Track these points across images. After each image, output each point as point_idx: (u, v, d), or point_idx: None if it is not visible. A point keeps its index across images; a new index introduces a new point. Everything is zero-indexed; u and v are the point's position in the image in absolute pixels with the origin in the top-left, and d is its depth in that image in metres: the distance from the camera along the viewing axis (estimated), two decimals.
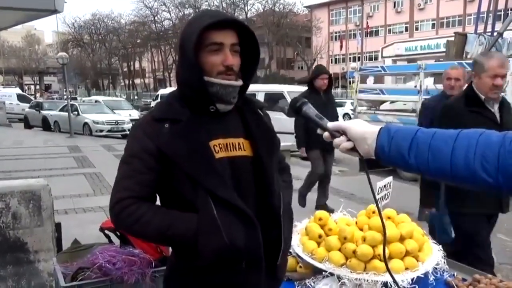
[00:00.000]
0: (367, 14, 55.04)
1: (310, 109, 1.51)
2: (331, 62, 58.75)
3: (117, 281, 2.31)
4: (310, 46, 60.27)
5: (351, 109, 16.09)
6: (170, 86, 63.28)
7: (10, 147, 14.70)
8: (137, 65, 72.96)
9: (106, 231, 2.60)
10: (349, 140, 1.39)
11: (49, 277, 3.16)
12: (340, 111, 23.54)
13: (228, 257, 1.52)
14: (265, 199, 1.65)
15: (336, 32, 59.37)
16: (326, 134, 1.44)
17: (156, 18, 63.22)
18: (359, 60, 48.56)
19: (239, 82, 1.64)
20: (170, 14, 62.42)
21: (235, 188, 1.58)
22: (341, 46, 52.60)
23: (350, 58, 55.04)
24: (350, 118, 18.35)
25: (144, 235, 1.60)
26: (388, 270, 1.70)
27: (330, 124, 1.43)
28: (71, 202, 7.04)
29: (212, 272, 1.55)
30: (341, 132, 1.41)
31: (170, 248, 1.83)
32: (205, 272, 1.56)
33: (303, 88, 17.52)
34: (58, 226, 3.45)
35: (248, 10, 59.66)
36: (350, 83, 40.62)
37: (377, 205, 1.54)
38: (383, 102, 11.73)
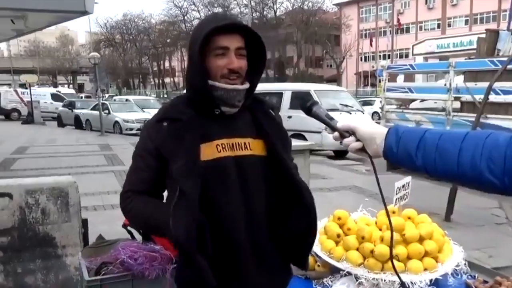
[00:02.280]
0: (397, 11, 54.16)
1: (320, 109, 1.53)
2: (361, 60, 58.14)
3: (139, 276, 2.36)
4: (339, 44, 59.74)
5: (380, 108, 15.91)
6: None
7: (43, 145, 15.14)
8: (166, 64, 73.85)
9: (129, 228, 2.66)
10: (358, 140, 1.40)
11: (76, 271, 3.26)
12: (369, 109, 23.39)
13: (180, 248, 1.60)
14: (293, 193, 1.69)
15: (365, 30, 58.67)
16: (335, 134, 1.45)
17: (185, 17, 63.94)
18: (389, 58, 47.90)
19: (244, 86, 1.66)
20: (199, 14, 62.92)
21: (241, 186, 1.62)
22: (371, 44, 51.96)
23: (380, 56, 54.33)
24: (379, 117, 18.13)
25: (135, 224, 1.80)
26: (394, 269, 1.71)
27: (340, 124, 1.45)
28: (100, 199, 7.22)
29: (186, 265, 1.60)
30: (351, 132, 1.42)
31: None
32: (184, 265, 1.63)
33: (332, 87, 17.48)
34: (84, 222, 3.55)
35: (277, 9, 59.64)
36: (379, 81, 40.14)
37: (384, 204, 1.54)
38: (412, 100, 11.56)
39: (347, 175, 9.27)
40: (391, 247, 1.71)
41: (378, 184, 1.46)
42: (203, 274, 1.55)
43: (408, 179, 2.49)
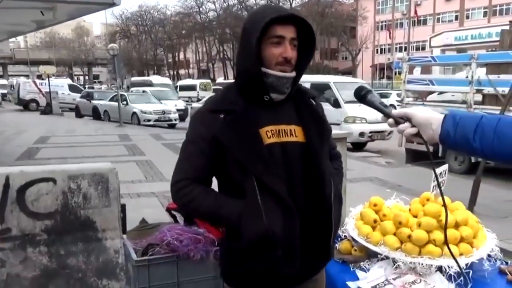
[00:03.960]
0: (415, 2, 53.54)
1: (374, 97, 1.61)
2: (377, 52, 57.70)
3: (184, 257, 2.48)
4: (355, 36, 59.34)
5: (397, 100, 15.86)
6: (214, 76, 63.94)
7: (64, 135, 15.39)
8: (181, 56, 74.03)
9: (173, 212, 2.78)
10: (413, 126, 1.47)
11: (115, 254, 3.38)
12: (384, 102, 23.23)
13: (266, 242, 1.63)
14: (316, 185, 1.75)
15: (382, 22, 58.18)
16: (390, 120, 1.52)
17: (201, 9, 63.93)
18: (405, 50, 47.40)
19: (293, 74, 1.74)
20: (214, 5, 62.97)
21: (285, 172, 1.70)
22: (390, 36, 51.45)
23: (396, 48, 53.82)
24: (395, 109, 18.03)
25: (196, 214, 1.83)
26: (450, 251, 1.78)
27: (396, 111, 1.53)
28: (125, 187, 7.36)
29: (251, 256, 1.68)
30: (405, 119, 1.49)
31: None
32: (245, 256, 1.69)
33: (350, 79, 17.40)
34: (123, 207, 3.67)
35: (292, 0, 59.35)
36: (395, 73, 39.80)
37: (440, 187, 1.62)
38: (430, 93, 11.52)
39: (367, 167, 9.31)
40: (445, 233, 1.77)
41: (434, 171, 1.56)
42: (279, 264, 1.69)
43: (445, 167, 2.56)
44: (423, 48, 45.56)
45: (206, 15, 64.24)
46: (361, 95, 1.62)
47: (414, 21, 51.51)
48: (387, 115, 1.55)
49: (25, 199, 3.30)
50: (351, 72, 54.41)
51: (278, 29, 1.68)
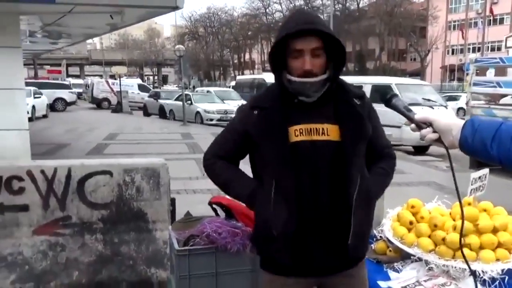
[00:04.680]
0: (491, 0, 50.92)
1: (399, 101, 1.62)
2: (447, 53, 55.44)
3: (222, 249, 2.60)
4: (425, 36, 57.32)
5: (466, 103, 15.23)
6: None
7: (131, 133, 16.14)
8: (247, 56, 74.95)
9: (214, 206, 2.91)
10: (435, 131, 1.48)
11: (164, 245, 3.58)
12: (453, 105, 22.38)
13: (266, 231, 1.83)
14: (341, 183, 1.80)
15: (454, 21, 55.78)
16: (413, 125, 1.54)
17: (267, 10, 64.36)
18: (479, 50, 45.24)
19: (320, 77, 1.78)
20: (281, 6, 63.17)
21: (311, 169, 1.79)
22: (463, 36, 49.23)
23: (469, 48, 51.43)
24: (465, 112, 17.35)
25: (216, 183, 2.05)
26: (463, 255, 1.75)
27: (418, 116, 1.53)
28: (182, 184, 7.65)
29: (257, 242, 1.98)
30: (428, 124, 1.49)
31: None
32: (254, 241, 2.04)
33: (414, 80, 16.94)
34: (173, 201, 3.89)
35: (360, 0, 58.36)
36: (467, 75, 38.09)
37: (458, 194, 1.59)
38: (503, 96, 10.99)
39: (427, 171, 9.05)
40: (460, 235, 1.75)
41: (453, 174, 1.52)
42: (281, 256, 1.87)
43: (485, 171, 2.51)
44: (499, 49, 43.12)
45: (272, 16, 64.61)
46: (386, 99, 1.64)
47: (490, 20, 48.92)
48: (410, 120, 1.55)
49: (85, 190, 3.58)
50: (419, 73, 52.64)
51: (296, 43, 1.75)
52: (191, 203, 6.04)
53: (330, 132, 1.81)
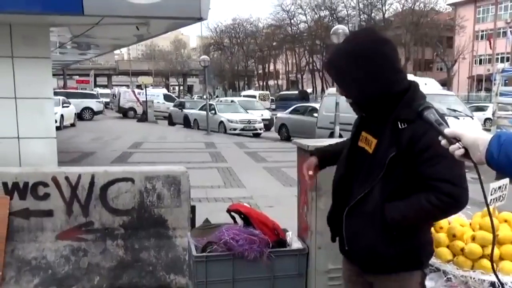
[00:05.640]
0: None
1: (431, 115, 1.57)
2: (475, 63, 54.51)
3: (239, 256, 2.63)
4: (452, 46, 56.51)
5: (492, 113, 14.94)
6: (302, 87, 64.25)
7: (156, 142, 16.34)
8: (271, 67, 75.18)
9: (232, 213, 2.94)
10: (463, 147, 1.43)
11: (183, 251, 3.62)
12: (480, 115, 21.95)
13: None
14: (349, 191, 1.98)
15: (482, 31, 54.87)
16: (444, 141, 1.49)
17: (292, 21, 64.46)
18: (507, 60, 44.31)
19: (349, 100, 1.96)
20: (306, 17, 63.18)
21: (356, 171, 1.98)
22: (490, 46, 48.36)
23: (497, 58, 50.46)
24: (491, 123, 16.96)
25: None
26: (493, 269, 1.71)
27: (447, 131, 1.48)
28: (205, 192, 7.71)
29: None
30: (457, 139, 1.45)
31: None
32: None
33: (439, 90, 16.65)
34: (193, 209, 3.93)
35: (385, 10, 57.98)
36: (495, 85, 37.34)
37: (487, 206, 1.57)
38: None
39: None
40: (492, 249, 1.66)
41: (482, 188, 1.51)
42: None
43: (505, 181, 2.47)
44: None
45: (297, 26, 64.67)
46: (419, 112, 1.60)
47: None
48: (441, 134, 1.51)
49: (107, 196, 3.66)
50: (446, 83, 51.81)
51: None
52: (212, 211, 6.08)
53: (371, 144, 1.93)
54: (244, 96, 40.89)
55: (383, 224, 1.82)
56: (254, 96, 39.76)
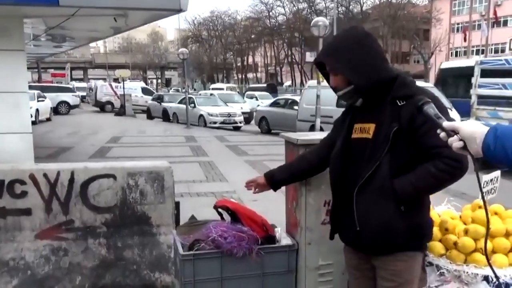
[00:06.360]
0: (494, 2, 50.61)
1: (430, 109, 1.63)
2: (451, 56, 55.28)
3: (227, 254, 2.56)
4: (428, 38, 57.18)
5: (470, 105, 15.15)
6: (281, 80, 64.19)
7: (135, 136, 16.11)
8: (250, 59, 74.95)
9: (219, 209, 2.86)
10: (461, 139, 1.46)
11: (168, 249, 3.53)
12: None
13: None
14: (356, 175, 2.01)
15: (458, 23, 55.60)
16: (443, 134, 1.52)
17: (270, 13, 64.24)
18: (482, 53, 45.07)
19: (343, 91, 2.05)
20: (284, 9, 63.06)
21: (354, 161, 2.05)
22: (465, 39, 49.07)
23: (472, 51, 51.25)
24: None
25: None
26: (488, 262, 1.68)
27: (446, 124, 1.52)
28: (186, 186, 7.60)
29: None
30: (455, 132, 1.48)
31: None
32: None
33: (418, 82, 16.83)
34: (177, 205, 3.84)
35: (363, 3, 58.28)
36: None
37: (483, 199, 1.57)
38: (506, 98, 10.92)
39: None
40: (485, 242, 1.63)
41: (479, 181, 1.52)
42: None
43: (497, 173, 2.46)
44: (503, 51, 43.00)
45: (275, 19, 64.47)
46: (418, 106, 1.66)
47: (493, 22, 48.73)
48: (439, 128, 1.54)
49: (88, 193, 3.54)
50: (423, 76, 52.44)
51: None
52: (195, 207, 5.99)
53: (369, 130, 2.01)
54: (213, 89, 41.48)
55: (394, 199, 1.91)
56: (222, 89, 40.14)
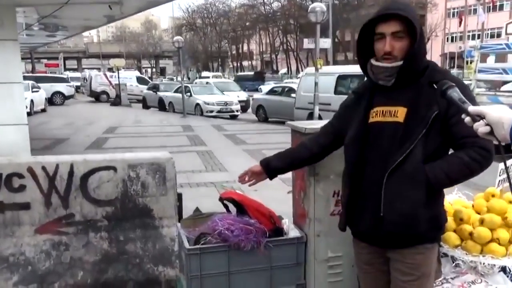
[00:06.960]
0: None
1: (454, 93, 1.58)
2: (447, 41, 55.16)
3: (234, 247, 2.49)
4: (424, 24, 56.91)
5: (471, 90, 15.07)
6: (277, 68, 63.88)
7: (131, 126, 15.99)
8: (245, 47, 74.53)
9: (225, 201, 2.78)
10: (488, 124, 1.41)
11: (171, 242, 3.46)
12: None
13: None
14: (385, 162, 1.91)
15: (453, 8, 55.40)
16: (467, 118, 1.47)
17: (265, 0, 63.75)
18: (478, 37, 44.92)
19: (395, 64, 1.90)
20: None
21: (378, 145, 1.95)
22: (460, 23, 48.89)
23: (468, 36, 51.10)
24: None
25: None
26: None
27: (471, 108, 1.47)
28: (186, 177, 7.52)
29: None
30: (481, 117, 1.43)
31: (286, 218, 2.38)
32: None
33: None
34: (179, 196, 3.75)
35: None
36: (467, 63, 37.87)
37: (510, 182, 1.49)
38: (504, 83, 10.85)
39: None
40: None
41: (506, 169, 1.47)
42: None
43: None
44: (499, 36, 42.83)
45: (270, 6, 63.97)
46: (442, 90, 1.61)
47: (489, 6, 48.53)
48: (464, 112, 1.50)
49: (88, 186, 3.44)
50: None
51: (379, 27, 1.92)
52: (196, 197, 5.92)
53: (399, 114, 1.92)
54: (201, 77, 41.82)
55: (424, 186, 1.85)
56: (207, 77, 40.45)
